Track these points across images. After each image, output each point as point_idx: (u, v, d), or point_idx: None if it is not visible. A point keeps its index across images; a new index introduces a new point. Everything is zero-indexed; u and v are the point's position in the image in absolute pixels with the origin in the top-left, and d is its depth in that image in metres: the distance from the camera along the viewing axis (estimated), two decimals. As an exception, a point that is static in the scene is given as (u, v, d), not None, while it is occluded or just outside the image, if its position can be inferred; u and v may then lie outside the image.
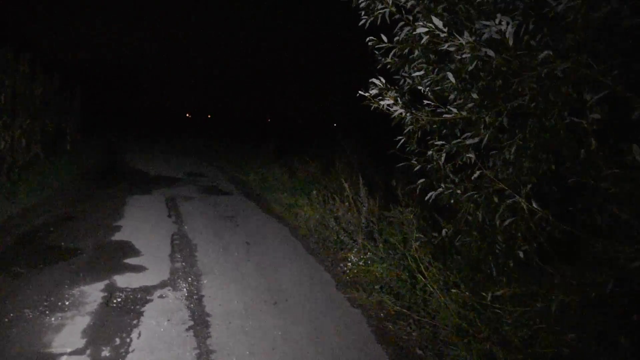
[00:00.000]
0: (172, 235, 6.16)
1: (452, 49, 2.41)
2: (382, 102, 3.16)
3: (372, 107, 3.65)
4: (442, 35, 2.43)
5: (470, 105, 2.88)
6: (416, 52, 3.60)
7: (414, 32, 2.55)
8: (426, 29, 2.47)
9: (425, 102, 2.81)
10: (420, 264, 3.75)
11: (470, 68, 2.46)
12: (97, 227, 6.27)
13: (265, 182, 10.80)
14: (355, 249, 5.39)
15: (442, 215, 4.16)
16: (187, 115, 47.99)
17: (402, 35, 3.34)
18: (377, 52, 3.90)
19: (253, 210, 8.33)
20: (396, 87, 3.54)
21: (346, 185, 6.40)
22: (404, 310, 3.90)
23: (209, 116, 46.90)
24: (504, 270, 3.31)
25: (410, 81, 3.84)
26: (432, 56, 3.56)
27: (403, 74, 3.89)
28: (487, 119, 2.56)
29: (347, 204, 6.38)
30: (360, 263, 5.03)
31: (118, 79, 36.18)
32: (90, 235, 5.88)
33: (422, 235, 3.70)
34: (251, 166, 12.55)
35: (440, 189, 3.04)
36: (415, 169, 3.71)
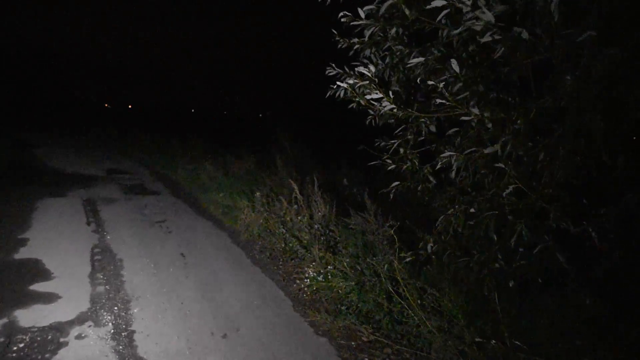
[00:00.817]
0: (92, 249, 5.17)
1: (477, 28, 1.84)
2: (367, 97, 2.54)
3: (332, 95, 3.09)
4: (465, 9, 1.85)
5: (473, 101, 2.34)
6: (393, 31, 3.04)
7: (428, 6, 1.95)
8: (444, 2, 1.88)
9: (439, 100, 2.22)
10: (402, 287, 3.20)
11: (498, 54, 1.90)
12: (-6, 242, 5.14)
13: (197, 180, 9.84)
14: (314, 262, 4.75)
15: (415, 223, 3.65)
16: (106, 105, 44.85)
17: (383, 9, 2.75)
18: (335, 32, 3.30)
19: (185, 212, 7.43)
20: (353, 72, 2.95)
21: (295, 185, 5.75)
22: (382, 339, 3.34)
23: (130, 107, 44.23)
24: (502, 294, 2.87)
25: (374, 68, 3.28)
26: (405, 38, 3.03)
27: (363, 59, 3.33)
28: (518, 120, 2.02)
29: (295, 206, 5.73)
30: (320, 278, 4.42)
31: (29, 70, 32.70)
32: (-14, 253, 4.77)
33: (406, 254, 3.15)
34: (179, 162, 11.48)
35: (452, 209, 2.47)
36: (390, 168, 3.19)
